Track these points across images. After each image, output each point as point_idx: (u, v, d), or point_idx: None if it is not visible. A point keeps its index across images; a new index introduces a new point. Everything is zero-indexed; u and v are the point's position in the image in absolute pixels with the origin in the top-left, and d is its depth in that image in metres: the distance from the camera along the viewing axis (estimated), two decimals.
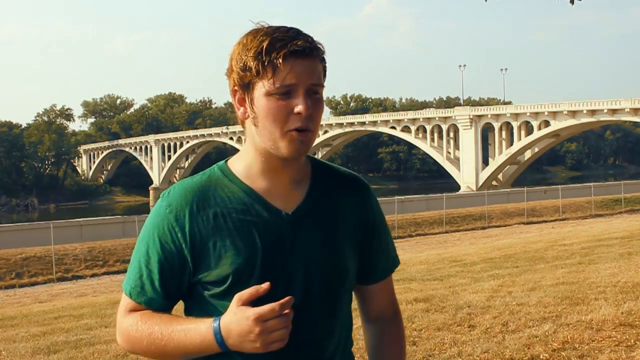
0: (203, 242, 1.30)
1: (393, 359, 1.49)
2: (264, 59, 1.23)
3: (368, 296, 1.49)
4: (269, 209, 1.31)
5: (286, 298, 1.20)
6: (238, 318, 1.20)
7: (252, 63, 1.24)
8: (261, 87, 1.25)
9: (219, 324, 1.23)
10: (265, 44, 1.23)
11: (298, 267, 1.31)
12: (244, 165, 1.35)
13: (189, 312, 1.36)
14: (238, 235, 1.29)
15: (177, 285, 1.33)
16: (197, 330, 1.25)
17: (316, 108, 1.27)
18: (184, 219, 1.30)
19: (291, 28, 1.28)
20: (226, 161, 1.40)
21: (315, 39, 1.30)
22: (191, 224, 1.30)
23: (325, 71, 1.31)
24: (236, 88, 1.30)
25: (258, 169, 1.34)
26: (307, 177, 1.38)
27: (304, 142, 1.27)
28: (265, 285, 1.23)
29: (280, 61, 1.23)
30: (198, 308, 1.34)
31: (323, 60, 1.30)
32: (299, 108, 1.24)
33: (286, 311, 1.20)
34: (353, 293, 1.48)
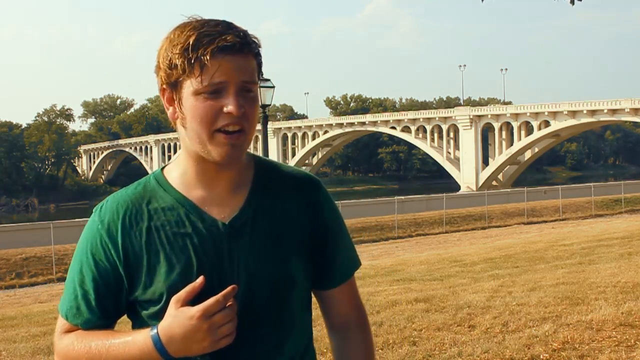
0: (136, 258, 1.22)
1: None
2: (190, 55, 1.14)
3: (328, 301, 1.38)
4: (205, 219, 1.23)
5: (228, 288, 1.15)
6: (180, 320, 1.14)
7: (178, 60, 1.15)
8: (189, 86, 1.16)
9: (157, 332, 1.16)
10: (192, 40, 1.14)
11: (238, 279, 1.21)
12: (180, 172, 1.27)
13: None
14: (172, 250, 1.21)
15: (114, 304, 1.25)
16: (134, 342, 1.18)
17: (250, 107, 1.18)
18: (117, 234, 1.23)
19: (222, 22, 1.18)
20: (162, 169, 1.32)
21: (249, 32, 1.20)
22: (124, 239, 1.23)
23: (260, 67, 1.21)
24: (164, 87, 1.21)
25: (192, 175, 1.25)
26: (249, 180, 1.29)
27: (235, 146, 1.18)
28: (200, 279, 1.17)
29: (208, 58, 1.13)
30: (139, 328, 1.26)
31: (258, 56, 1.20)
32: (229, 108, 1.15)
33: (230, 303, 1.15)
34: (315, 299, 1.40)
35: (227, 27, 1.17)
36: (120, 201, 1.26)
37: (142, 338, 1.18)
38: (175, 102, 1.20)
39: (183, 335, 1.14)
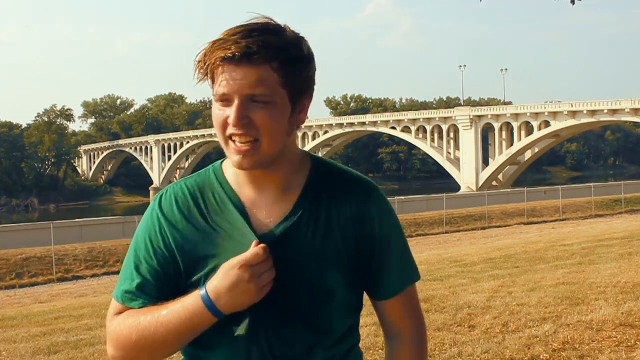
0: (192, 248, 1.25)
1: None
2: (204, 65, 1.18)
3: (380, 310, 1.38)
4: (252, 221, 1.26)
5: (261, 245, 1.19)
6: (225, 271, 1.17)
7: (197, 67, 1.20)
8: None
9: (206, 289, 1.18)
10: (207, 48, 1.17)
11: (277, 282, 1.22)
12: (233, 170, 1.30)
13: None
14: (222, 247, 1.25)
15: (172, 290, 1.25)
16: (184, 306, 1.19)
17: (262, 115, 1.17)
18: (176, 222, 1.26)
19: (247, 27, 1.17)
20: (222, 162, 1.34)
21: (287, 35, 1.19)
22: (182, 228, 1.26)
23: (289, 75, 1.18)
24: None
25: (243, 174, 1.28)
26: (301, 183, 1.29)
27: (247, 155, 1.19)
28: (254, 245, 1.20)
29: (211, 68, 1.17)
30: None
31: (285, 63, 1.17)
32: (229, 119, 1.17)
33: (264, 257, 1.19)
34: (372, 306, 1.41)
35: (244, 34, 1.16)
36: (179, 192, 1.30)
37: (191, 301, 1.19)
38: None
39: (228, 287, 1.16)
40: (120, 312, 1.28)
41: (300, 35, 1.23)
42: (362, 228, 1.28)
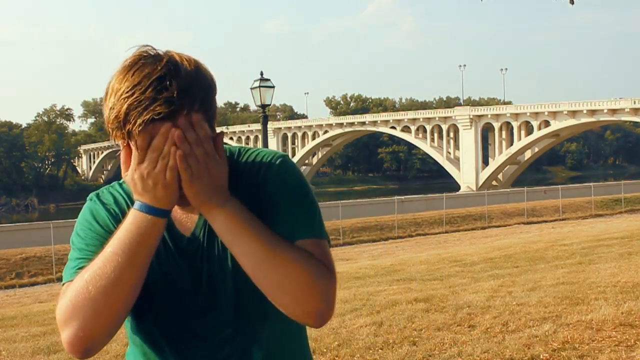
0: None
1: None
2: (123, 129, 1.10)
3: None
4: (171, 229, 1.25)
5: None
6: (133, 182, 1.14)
7: (115, 128, 1.12)
8: None
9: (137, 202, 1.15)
10: (122, 111, 1.09)
11: (200, 285, 1.24)
12: None
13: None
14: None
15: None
16: (125, 228, 1.14)
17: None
18: (117, 212, 1.29)
19: (156, 79, 1.09)
20: None
21: (188, 77, 1.11)
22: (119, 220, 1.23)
23: (208, 101, 1.15)
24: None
25: None
26: None
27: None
28: None
29: (137, 131, 1.09)
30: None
31: (203, 102, 1.13)
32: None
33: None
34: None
35: (159, 88, 1.09)
36: (115, 193, 1.33)
37: (130, 219, 1.16)
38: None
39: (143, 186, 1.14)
40: None
41: (194, 58, 1.17)
42: (259, 199, 1.23)
